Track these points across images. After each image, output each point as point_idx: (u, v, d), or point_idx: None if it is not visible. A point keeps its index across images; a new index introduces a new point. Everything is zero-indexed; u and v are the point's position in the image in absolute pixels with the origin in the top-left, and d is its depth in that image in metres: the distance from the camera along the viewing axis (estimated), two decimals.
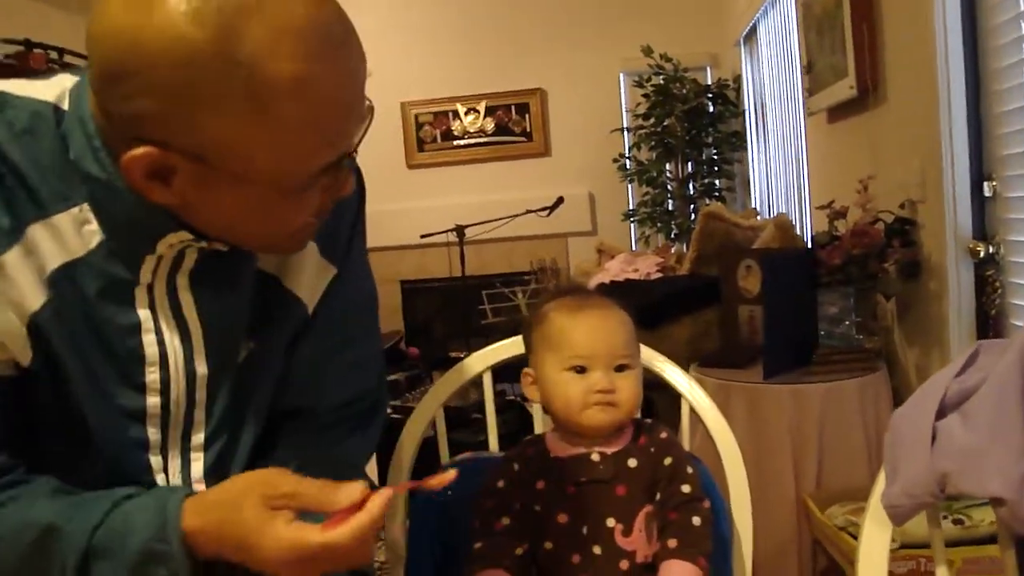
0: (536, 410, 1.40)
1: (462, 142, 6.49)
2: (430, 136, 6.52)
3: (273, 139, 0.79)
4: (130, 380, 0.93)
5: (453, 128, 6.49)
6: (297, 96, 0.78)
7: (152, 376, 0.93)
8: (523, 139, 6.42)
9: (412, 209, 6.22)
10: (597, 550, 1.15)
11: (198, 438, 0.99)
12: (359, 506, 0.82)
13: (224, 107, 0.77)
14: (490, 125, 6.45)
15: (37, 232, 0.87)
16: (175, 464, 0.97)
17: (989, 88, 2.28)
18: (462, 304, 5.15)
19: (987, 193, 2.30)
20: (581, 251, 6.06)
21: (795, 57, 4.02)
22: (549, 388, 1.21)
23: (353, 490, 0.83)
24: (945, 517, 1.84)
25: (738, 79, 5.64)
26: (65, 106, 0.88)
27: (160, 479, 0.96)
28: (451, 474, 0.88)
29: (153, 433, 0.95)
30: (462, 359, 1.45)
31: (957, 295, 2.37)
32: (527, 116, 6.40)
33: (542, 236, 6.03)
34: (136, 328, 0.92)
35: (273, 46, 0.76)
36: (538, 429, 1.38)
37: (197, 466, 0.99)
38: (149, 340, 0.93)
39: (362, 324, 1.11)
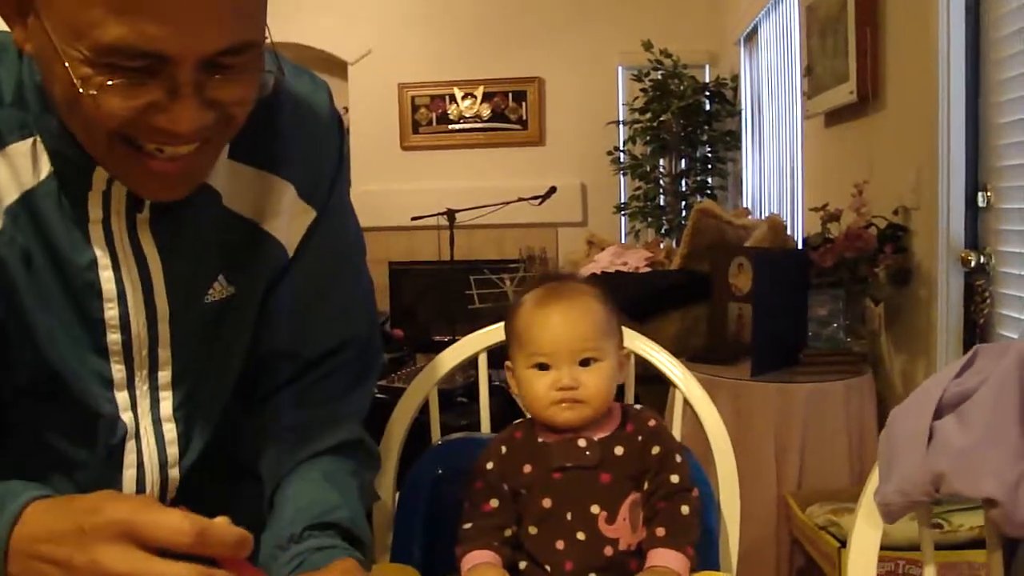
0: None
1: (457, 126, 6.47)
2: (425, 119, 6.50)
3: None
4: (89, 314, 0.92)
5: (449, 112, 6.47)
6: None
7: (111, 312, 0.93)
8: (518, 127, 6.42)
9: (404, 191, 6.20)
10: (581, 536, 1.15)
11: (165, 376, 0.98)
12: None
13: None
14: (486, 111, 6.43)
15: None
16: (144, 403, 0.97)
17: (989, 99, 2.30)
18: (449, 288, 5.14)
19: (981, 203, 2.32)
20: (571, 241, 6.07)
21: (795, 59, 4.03)
22: (518, 384, 1.22)
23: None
24: None
25: (736, 78, 5.65)
26: None
27: (127, 417, 0.96)
28: None
29: (118, 370, 0.95)
30: (447, 343, 1.44)
31: (946, 303, 2.39)
32: (524, 104, 6.39)
33: (533, 225, 6.03)
34: (92, 264, 0.91)
35: None
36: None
37: (166, 404, 0.98)
38: (106, 276, 0.92)
39: (344, 269, 1.09)
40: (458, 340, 1.46)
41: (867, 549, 1.05)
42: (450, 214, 4.68)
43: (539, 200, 4.76)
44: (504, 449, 1.23)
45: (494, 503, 1.19)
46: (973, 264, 2.30)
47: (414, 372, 2.44)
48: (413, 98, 6.49)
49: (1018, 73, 2.14)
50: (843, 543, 2.05)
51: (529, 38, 6.29)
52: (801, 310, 2.74)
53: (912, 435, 0.98)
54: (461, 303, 4.96)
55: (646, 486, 1.18)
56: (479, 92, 6.41)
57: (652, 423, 1.21)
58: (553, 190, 4.84)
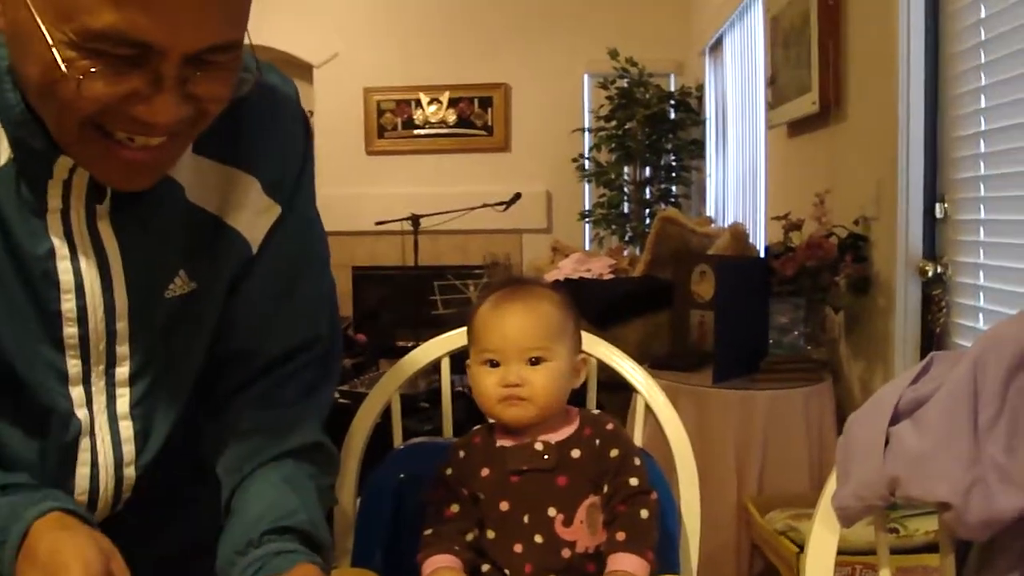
0: None
1: (423, 132, 6.46)
2: (391, 123, 6.49)
3: None
4: (45, 306, 0.90)
5: (415, 117, 6.46)
6: None
7: (68, 304, 0.91)
8: (484, 133, 6.42)
9: (368, 195, 6.18)
10: (539, 539, 1.15)
11: (123, 372, 0.96)
12: None
13: None
14: (452, 116, 6.43)
15: None
16: (100, 400, 0.95)
17: (947, 113, 2.34)
18: (413, 294, 5.13)
19: (939, 214, 2.36)
20: (535, 248, 6.08)
21: (759, 70, 4.07)
22: (471, 381, 1.23)
23: None
24: None
25: (701, 88, 5.70)
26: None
27: (82, 414, 0.94)
28: None
29: (74, 365, 0.93)
30: (410, 348, 1.44)
31: (904, 312, 2.42)
32: (490, 110, 6.40)
33: (497, 231, 6.03)
34: (50, 254, 0.90)
35: None
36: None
37: (122, 401, 0.96)
38: (64, 267, 0.90)
39: (309, 268, 1.08)
40: (421, 345, 1.45)
41: (824, 553, 1.07)
42: (414, 219, 4.68)
43: (504, 206, 4.78)
44: (463, 454, 1.23)
45: (455, 508, 1.19)
46: (930, 274, 2.33)
47: (376, 377, 2.44)
48: (379, 102, 6.47)
49: (975, 87, 2.18)
50: (802, 548, 2.07)
51: (496, 45, 6.30)
52: (762, 318, 2.76)
53: (869, 440, 1.00)
54: (425, 308, 4.95)
55: (605, 489, 1.18)
56: (445, 98, 6.41)
57: (610, 426, 1.22)
58: (518, 196, 4.85)
